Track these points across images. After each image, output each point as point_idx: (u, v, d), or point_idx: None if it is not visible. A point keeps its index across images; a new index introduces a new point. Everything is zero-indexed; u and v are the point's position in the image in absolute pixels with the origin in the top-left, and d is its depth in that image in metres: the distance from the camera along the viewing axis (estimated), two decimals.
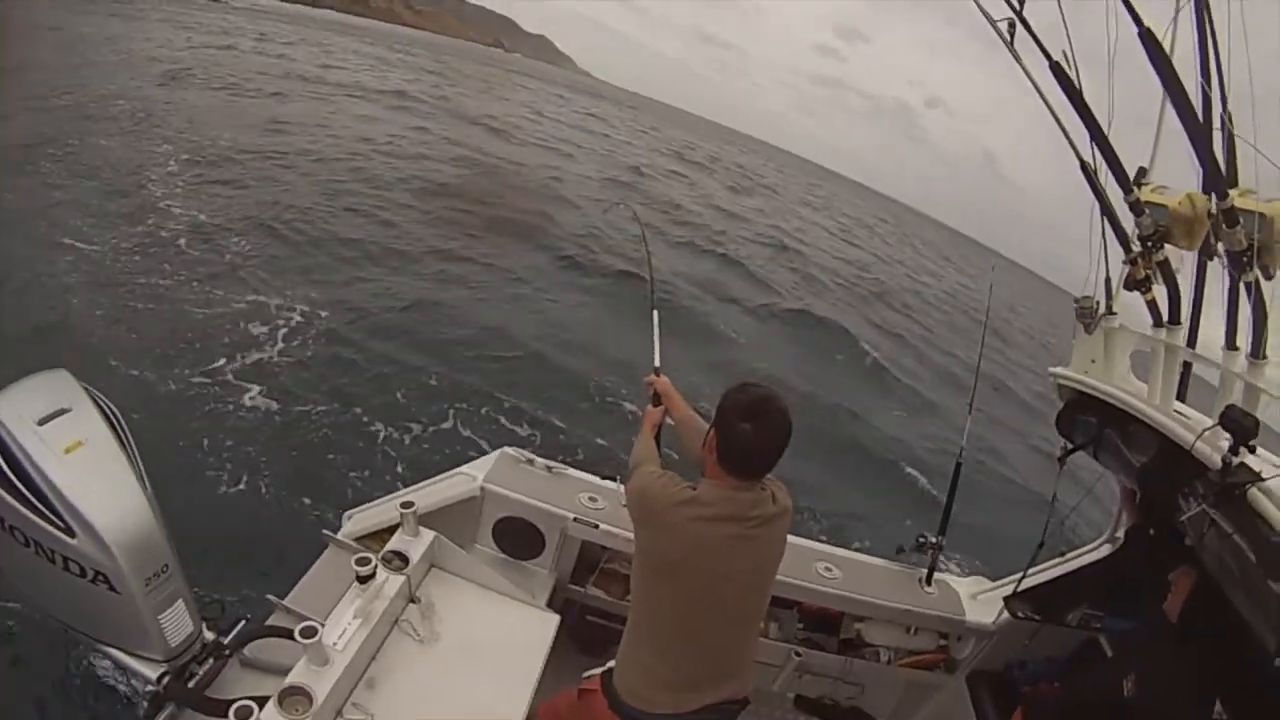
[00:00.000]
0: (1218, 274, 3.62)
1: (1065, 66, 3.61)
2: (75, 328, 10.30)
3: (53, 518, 3.09)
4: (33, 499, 3.09)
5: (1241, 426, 3.15)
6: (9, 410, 3.22)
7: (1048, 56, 3.68)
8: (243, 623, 3.70)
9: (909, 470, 13.85)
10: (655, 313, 4.93)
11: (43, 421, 3.22)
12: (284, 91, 35.66)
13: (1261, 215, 3.11)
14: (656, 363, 4.60)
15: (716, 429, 3.07)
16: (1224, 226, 3.27)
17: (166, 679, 3.35)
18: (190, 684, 3.42)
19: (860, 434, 15.06)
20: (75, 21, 37.28)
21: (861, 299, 29.90)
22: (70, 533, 3.09)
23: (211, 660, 3.53)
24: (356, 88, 43.52)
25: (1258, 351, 3.32)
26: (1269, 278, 3.23)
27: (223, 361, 10.29)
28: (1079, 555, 5.14)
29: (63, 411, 3.32)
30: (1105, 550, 5.03)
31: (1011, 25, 3.74)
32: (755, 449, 3.02)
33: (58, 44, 31.50)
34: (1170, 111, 3.47)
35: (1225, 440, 3.24)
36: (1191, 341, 3.99)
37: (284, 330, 11.71)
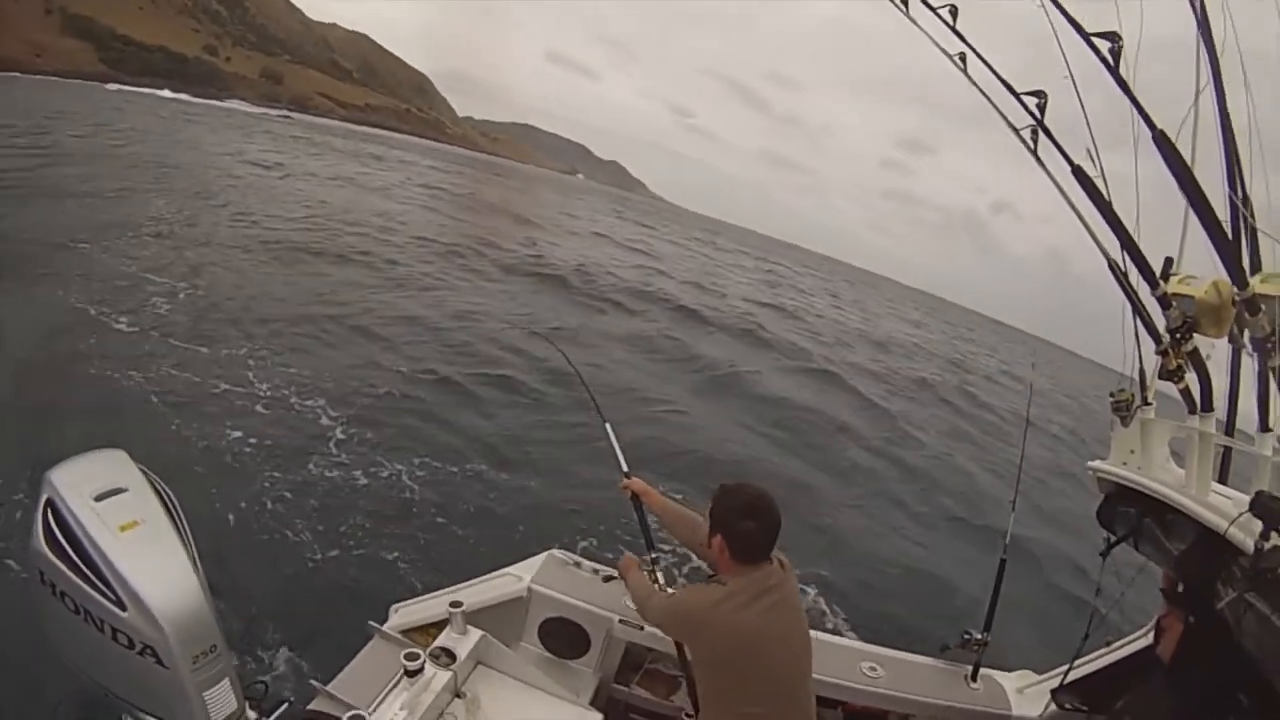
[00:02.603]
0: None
1: (1088, 168, 3.73)
2: (135, 408, 10.74)
3: (105, 590, 3.19)
4: (86, 570, 3.21)
5: (1271, 512, 3.17)
6: (67, 483, 3.38)
7: (1069, 161, 3.83)
8: (286, 705, 3.73)
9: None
10: (607, 425, 5.36)
11: (100, 498, 3.36)
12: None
13: None
14: (624, 467, 4.95)
15: (722, 533, 3.42)
16: (1246, 315, 3.34)
17: None
18: None
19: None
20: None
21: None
22: (122, 606, 3.18)
23: None
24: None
25: None
26: None
27: (277, 450, 10.57)
28: (1125, 644, 5.05)
29: (120, 490, 3.46)
30: (1151, 638, 4.84)
31: (1034, 133, 3.88)
32: (762, 541, 3.41)
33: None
34: None
35: (1259, 524, 3.26)
36: (1230, 427, 4.01)
37: (341, 420, 12.12)
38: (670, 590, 4.15)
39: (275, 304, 18.02)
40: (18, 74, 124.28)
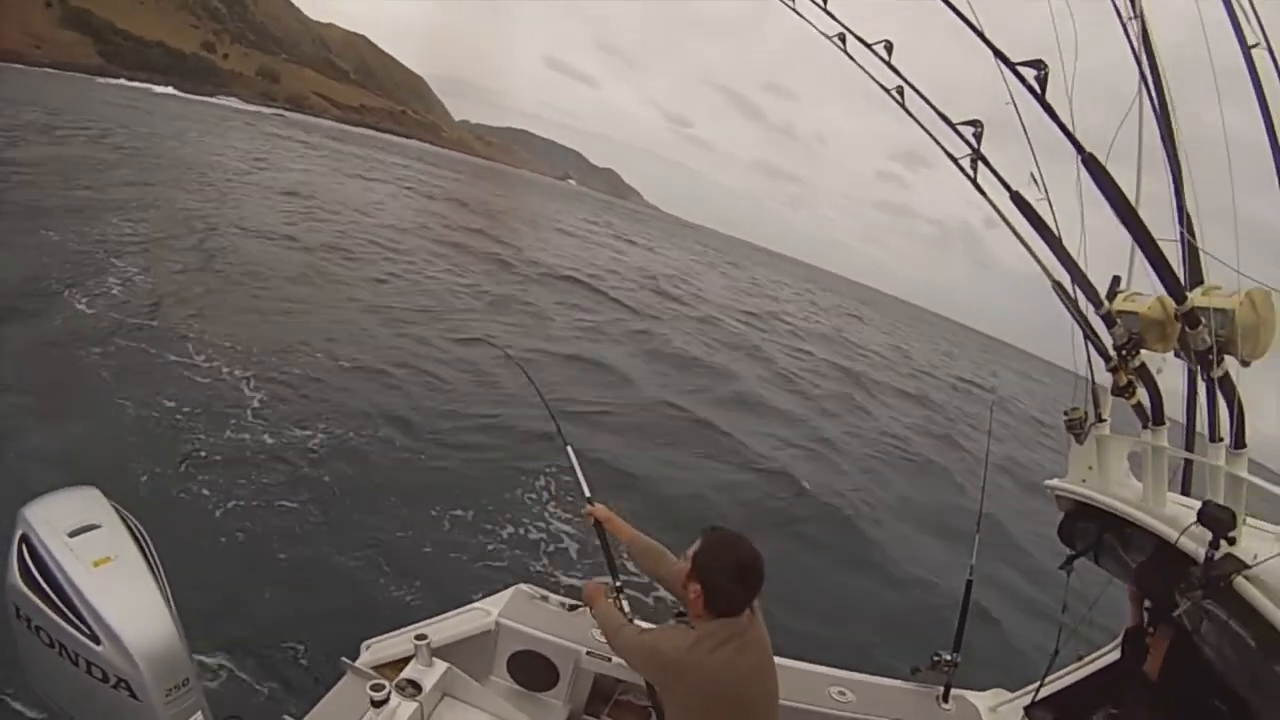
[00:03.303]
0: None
1: (1033, 192, 3.81)
2: (106, 444, 10.59)
3: (80, 624, 3.27)
4: (61, 605, 3.29)
5: (1218, 520, 3.24)
6: (42, 520, 3.47)
7: (1007, 188, 3.93)
8: None
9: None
10: (569, 448, 5.39)
11: (74, 534, 3.45)
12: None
13: (1223, 311, 3.24)
14: (587, 493, 4.98)
15: (703, 585, 3.32)
16: (1187, 329, 3.42)
17: None
18: None
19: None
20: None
21: None
22: (96, 640, 3.25)
23: None
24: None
25: (1237, 442, 3.41)
26: (1245, 364, 3.35)
27: (248, 483, 10.55)
28: (1096, 659, 5.08)
29: (94, 526, 3.55)
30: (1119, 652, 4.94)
31: (973, 161, 3.96)
32: (744, 604, 3.36)
33: None
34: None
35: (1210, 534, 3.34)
36: (1189, 439, 4.09)
37: (314, 451, 12.13)
38: (640, 624, 4.07)
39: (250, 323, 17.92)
40: (18, 65, 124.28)
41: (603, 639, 4.71)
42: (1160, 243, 3.61)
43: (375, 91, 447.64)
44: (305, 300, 20.66)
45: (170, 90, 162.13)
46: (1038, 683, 5.11)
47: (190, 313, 16.95)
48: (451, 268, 29.70)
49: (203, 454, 11.06)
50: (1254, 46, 3.58)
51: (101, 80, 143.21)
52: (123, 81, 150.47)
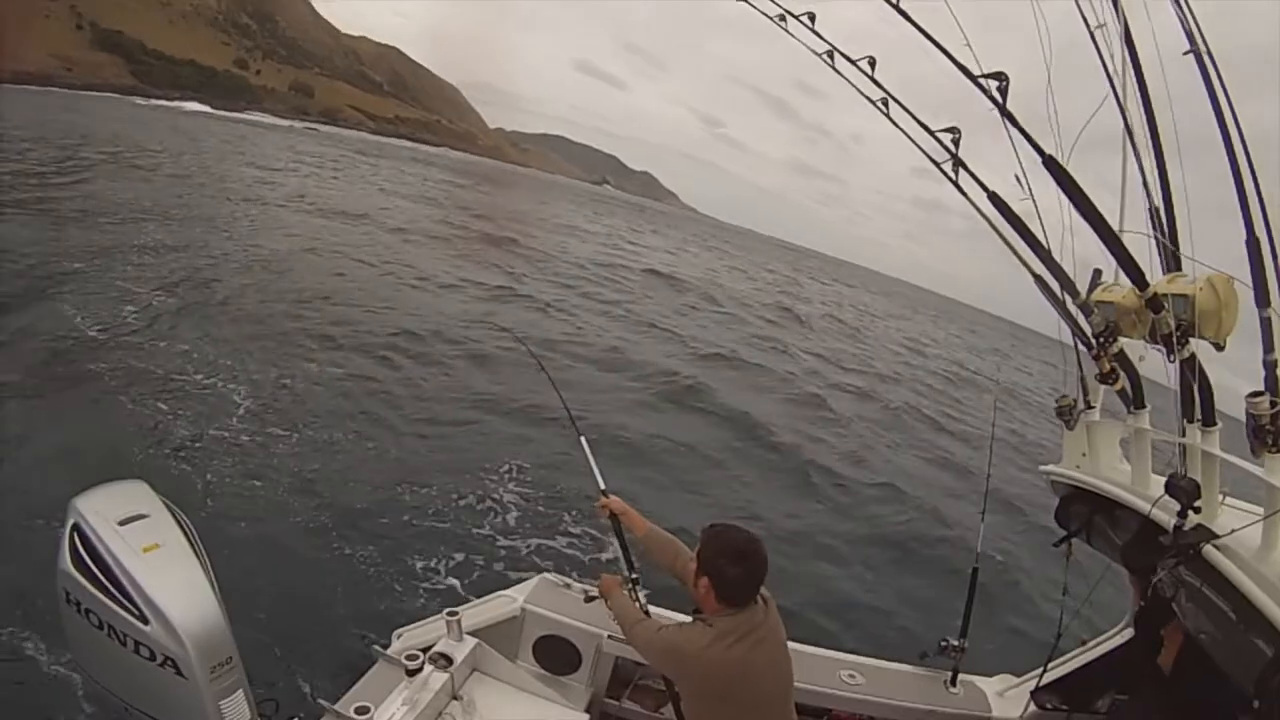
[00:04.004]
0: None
1: (1016, 191, 4.01)
2: (156, 440, 11.04)
3: (129, 605, 3.46)
4: (111, 588, 3.49)
5: (1181, 490, 3.42)
6: (93, 510, 3.68)
7: (985, 188, 4.11)
8: (295, 719, 4.00)
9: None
10: (583, 439, 5.41)
11: (123, 523, 3.66)
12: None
13: (1184, 296, 3.43)
14: (602, 485, 4.96)
15: (709, 576, 3.47)
16: (1151, 314, 3.61)
17: None
18: None
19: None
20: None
21: None
22: (145, 620, 3.44)
23: None
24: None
25: (1208, 420, 3.59)
26: (1220, 348, 3.53)
27: (287, 477, 10.95)
28: (1102, 641, 5.20)
29: (142, 516, 3.76)
30: (1127, 634, 5.07)
31: (955, 166, 4.17)
32: (748, 587, 3.48)
33: None
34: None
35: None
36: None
37: (345, 454, 12.41)
38: (656, 616, 4.22)
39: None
40: (51, 88, 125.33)
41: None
42: (1136, 235, 3.86)
43: (409, 102, 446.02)
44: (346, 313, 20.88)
45: (200, 107, 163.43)
46: (1041, 668, 5.21)
47: (217, 322, 17.38)
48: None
49: (239, 452, 11.43)
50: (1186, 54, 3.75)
51: (135, 100, 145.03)
52: (154, 101, 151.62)
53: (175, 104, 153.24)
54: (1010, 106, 3.83)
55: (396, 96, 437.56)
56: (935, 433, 24.37)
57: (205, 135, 77.46)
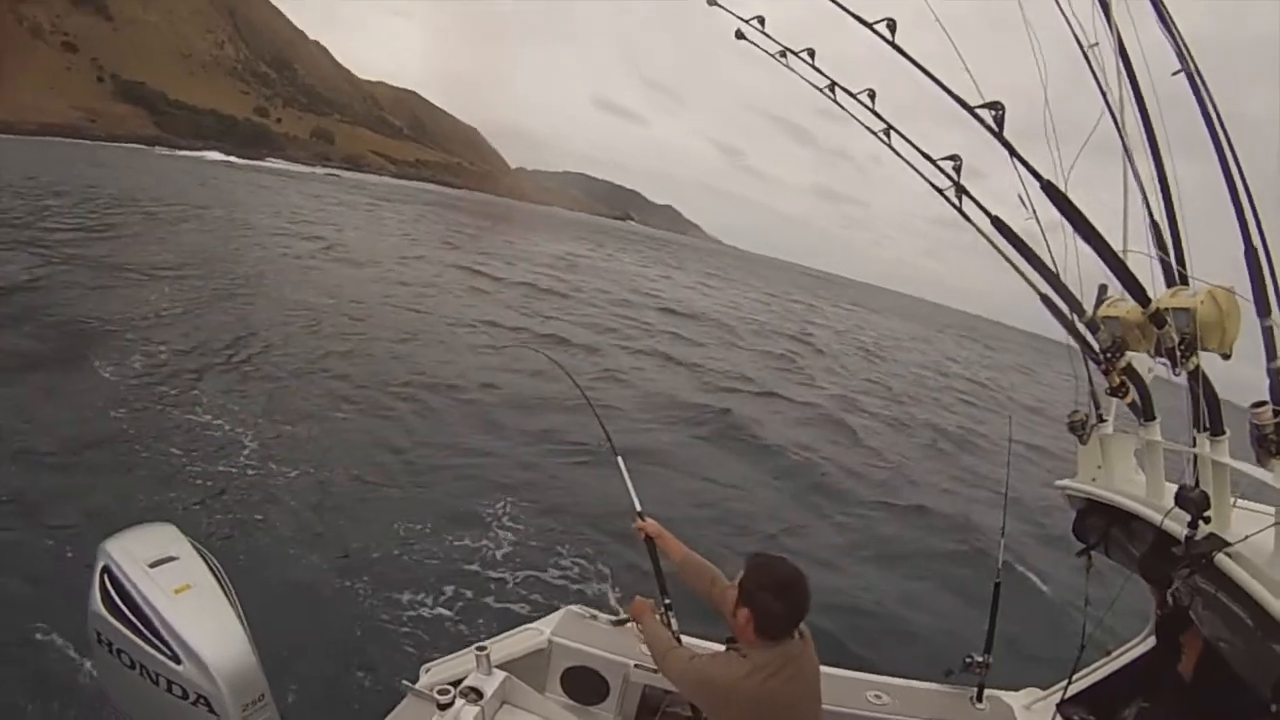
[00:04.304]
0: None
1: (1019, 216, 4.08)
2: (181, 484, 11.18)
3: (161, 646, 3.55)
4: (143, 629, 3.58)
5: (1190, 501, 3.45)
6: (123, 552, 3.78)
7: (987, 213, 4.19)
8: None
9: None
10: (619, 459, 5.36)
11: (154, 565, 3.75)
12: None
13: (1186, 310, 3.47)
14: (638, 506, 4.93)
15: (750, 608, 3.35)
16: (1154, 329, 3.66)
17: None
18: None
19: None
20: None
21: None
22: (177, 660, 3.53)
23: None
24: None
25: (1216, 429, 3.60)
26: (1226, 357, 3.56)
27: (320, 524, 11.03)
28: (1126, 651, 5.20)
29: (172, 558, 3.86)
30: (1150, 643, 5.06)
31: (957, 192, 4.23)
32: (789, 623, 3.37)
33: None
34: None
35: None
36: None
37: (369, 494, 12.53)
38: (690, 646, 4.14)
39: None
40: (78, 140, 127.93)
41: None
42: (1138, 255, 3.94)
43: (429, 145, 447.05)
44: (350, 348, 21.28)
45: (221, 156, 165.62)
46: (1066, 680, 5.14)
47: (242, 372, 17.59)
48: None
49: (262, 493, 11.60)
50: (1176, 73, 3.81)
51: (159, 150, 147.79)
52: (177, 152, 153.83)
53: (198, 153, 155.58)
54: (1023, 112, 3.88)
55: (416, 140, 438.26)
56: (959, 451, 24.39)
57: (229, 185, 78.22)
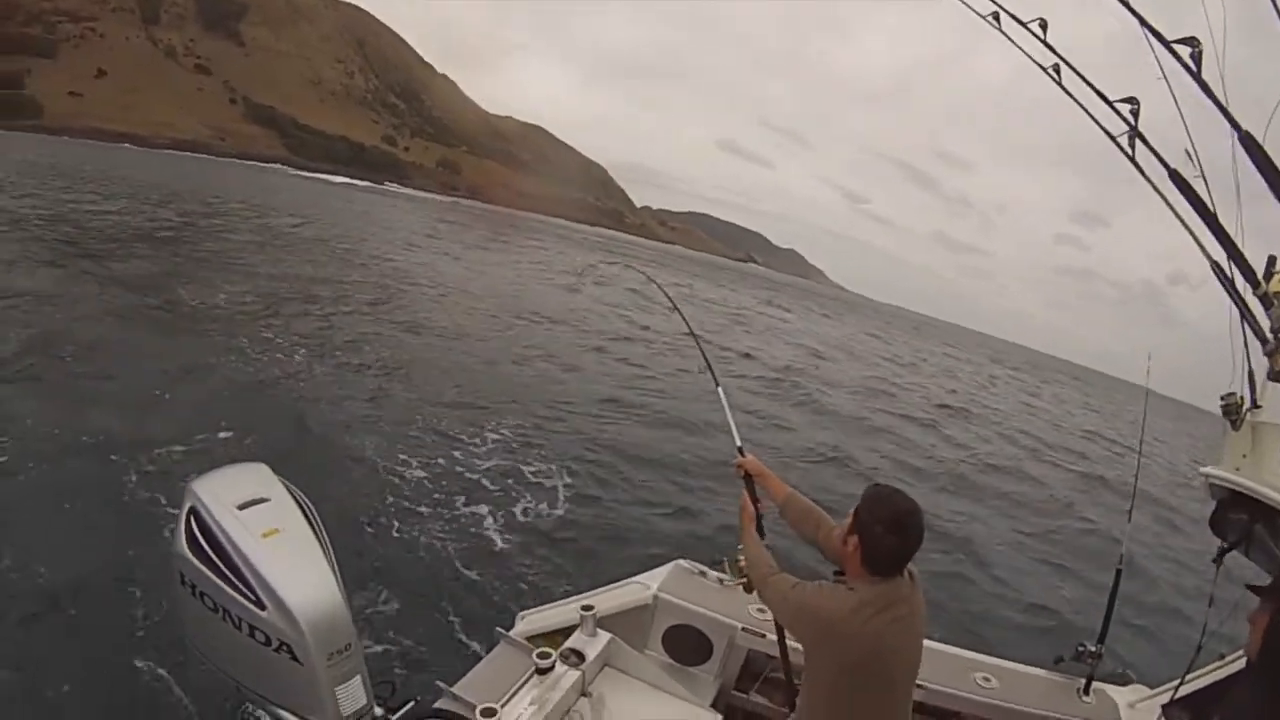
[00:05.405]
0: None
1: (1186, 171, 3.74)
2: (279, 426, 11.77)
3: (246, 590, 3.40)
4: (228, 572, 3.43)
5: None
6: (211, 493, 3.63)
7: (1166, 166, 3.84)
8: (412, 703, 3.85)
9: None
10: (719, 389, 5.00)
11: (243, 506, 3.59)
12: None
13: None
14: (738, 442, 4.59)
15: (862, 539, 3.22)
16: None
17: None
18: None
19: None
20: None
21: None
22: (261, 605, 3.38)
23: None
24: None
25: None
26: None
27: (419, 470, 11.36)
28: (1238, 658, 4.77)
29: (262, 500, 3.70)
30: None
31: (1131, 139, 3.92)
32: (900, 558, 3.22)
33: None
34: None
35: None
36: None
37: (483, 448, 13.01)
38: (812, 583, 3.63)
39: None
40: (204, 155, 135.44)
41: (759, 615, 4.81)
42: None
43: (556, 179, 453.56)
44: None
45: (346, 179, 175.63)
46: (1178, 680, 4.92)
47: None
48: None
49: (366, 432, 12.29)
50: None
51: (288, 170, 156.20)
52: (303, 173, 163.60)
53: (324, 176, 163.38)
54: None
55: (543, 174, 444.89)
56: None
57: (362, 207, 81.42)
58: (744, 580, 4.05)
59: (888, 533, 3.17)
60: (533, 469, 12.16)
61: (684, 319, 5.87)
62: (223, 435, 10.73)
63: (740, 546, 4.09)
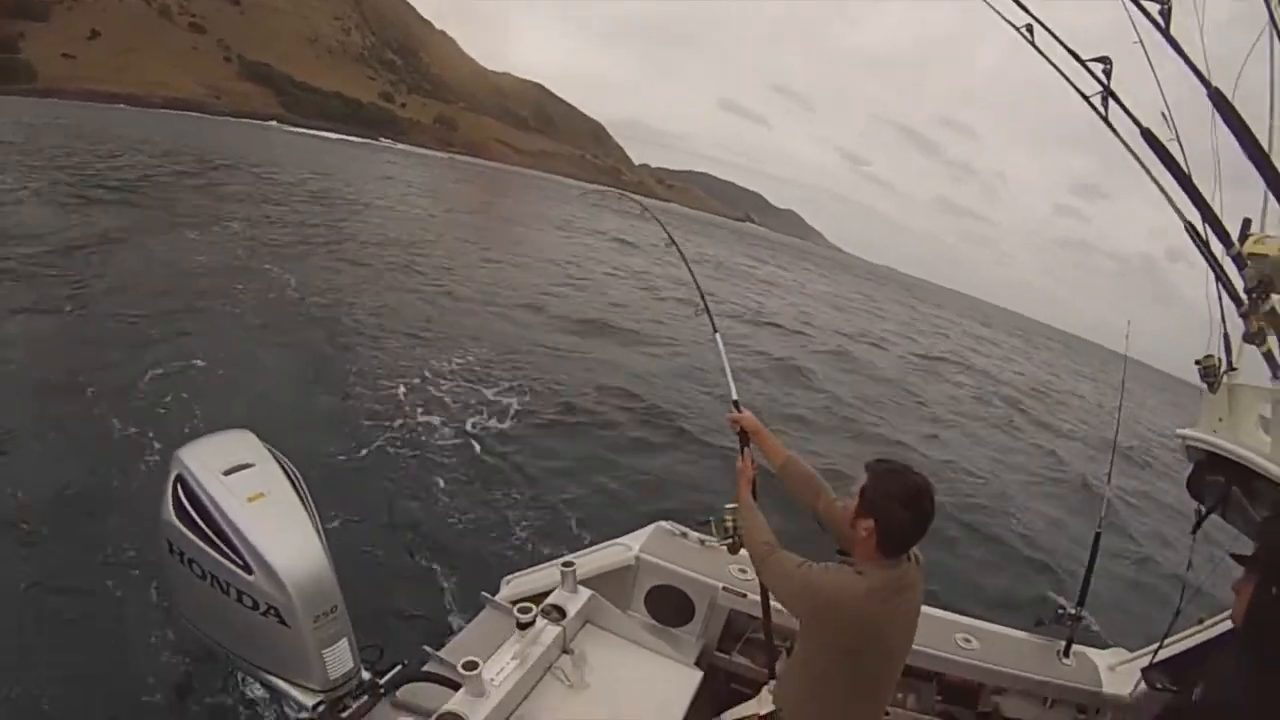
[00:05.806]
0: None
1: (1161, 132, 3.76)
2: (263, 392, 11.73)
3: (232, 555, 3.47)
4: (214, 538, 3.50)
5: None
6: (197, 460, 3.69)
7: (1138, 124, 3.82)
8: (399, 667, 3.90)
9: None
10: (718, 336, 4.89)
11: (228, 472, 3.65)
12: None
13: None
14: (734, 395, 4.49)
15: (877, 520, 3.11)
16: None
17: (322, 708, 3.59)
18: (343, 715, 3.64)
19: None
20: None
21: None
22: (248, 570, 3.45)
23: (365, 697, 3.75)
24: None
25: None
26: None
27: (399, 429, 11.44)
28: (1218, 621, 4.82)
29: (247, 465, 3.77)
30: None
31: (1104, 99, 3.93)
32: (913, 537, 3.15)
33: None
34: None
35: None
36: None
37: (465, 411, 12.94)
38: (793, 556, 3.52)
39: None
40: (198, 113, 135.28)
41: (739, 575, 4.85)
42: None
43: (554, 136, 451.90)
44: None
45: (339, 136, 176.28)
46: (1157, 644, 4.92)
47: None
48: None
49: (354, 399, 12.27)
50: None
51: (282, 127, 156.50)
52: (296, 129, 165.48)
53: (315, 133, 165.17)
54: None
55: (540, 131, 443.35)
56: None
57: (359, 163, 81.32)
58: (729, 541, 4.09)
59: (903, 510, 3.09)
60: (525, 433, 12.16)
61: (689, 268, 5.65)
62: (205, 403, 10.63)
63: (731, 506, 4.05)
